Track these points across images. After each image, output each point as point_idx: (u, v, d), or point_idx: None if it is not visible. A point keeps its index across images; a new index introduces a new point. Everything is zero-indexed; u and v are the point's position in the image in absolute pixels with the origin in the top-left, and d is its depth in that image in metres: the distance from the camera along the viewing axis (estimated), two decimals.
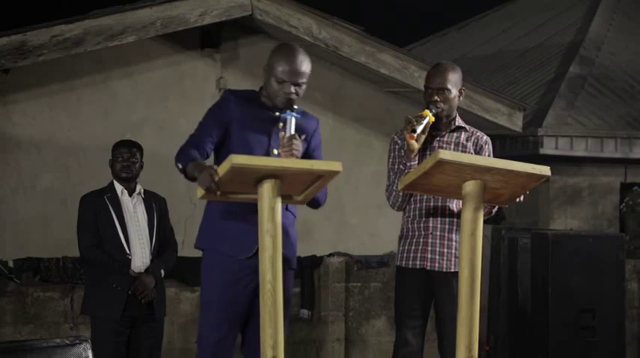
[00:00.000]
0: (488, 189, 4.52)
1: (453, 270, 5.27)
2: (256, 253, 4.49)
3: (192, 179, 4.39)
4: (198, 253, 4.81)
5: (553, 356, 7.48)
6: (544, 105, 12.37)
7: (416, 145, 5.19)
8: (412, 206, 5.38)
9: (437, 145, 5.36)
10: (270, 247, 4.19)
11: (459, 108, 5.52)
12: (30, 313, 7.70)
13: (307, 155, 4.71)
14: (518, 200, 4.80)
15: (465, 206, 4.49)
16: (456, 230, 5.27)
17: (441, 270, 5.32)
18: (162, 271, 6.27)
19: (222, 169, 4.13)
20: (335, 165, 4.26)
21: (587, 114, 12.35)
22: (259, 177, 4.18)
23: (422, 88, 5.63)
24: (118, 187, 6.25)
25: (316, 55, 8.58)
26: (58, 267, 7.75)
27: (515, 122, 10.02)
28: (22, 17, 15.80)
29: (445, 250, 5.32)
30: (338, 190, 9.02)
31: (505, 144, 11.46)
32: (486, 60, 15.28)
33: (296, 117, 4.56)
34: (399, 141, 5.39)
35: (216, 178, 4.16)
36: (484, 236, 4.57)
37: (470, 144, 5.41)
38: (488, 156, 5.36)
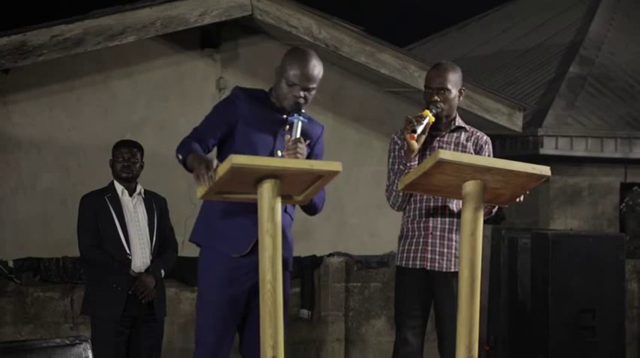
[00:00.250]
0: (489, 189, 4.52)
1: (453, 270, 5.27)
2: (252, 251, 4.50)
3: (191, 171, 4.38)
4: (198, 253, 4.81)
5: (553, 356, 7.49)
6: (544, 105, 12.36)
7: (416, 145, 5.19)
8: (412, 206, 5.38)
9: (437, 145, 5.36)
10: (270, 247, 4.19)
11: (459, 109, 5.52)
12: (30, 313, 7.69)
13: None
14: (518, 200, 4.79)
15: (465, 206, 4.48)
16: (456, 230, 5.27)
17: (441, 270, 5.32)
18: (163, 271, 6.27)
19: (222, 169, 4.13)
20: (335, 165, 4.26)
21: (587, 114, 12.34)
22: (259, 177, 4.17)
23: (422, 88, 5.63)
24: (119, 187, 6.25)
25: None
26: (58, 267, 7.75)
27: (515, 122, 10.02)
28: (22, 17, 15.80)
29: (445, 250, 5.33)
30: (338, 190, 9.02)
31: (505, 144, 11.46)
32: (486, 60, 15.27)
33: (303, 122, 4.58)
34: (399, 142, 5.39)
35: (211, 171, 4.16)
36: (484, 236, 4.57)
37: (470, 144, 5.40)
38: (488, 156, 5.36)
